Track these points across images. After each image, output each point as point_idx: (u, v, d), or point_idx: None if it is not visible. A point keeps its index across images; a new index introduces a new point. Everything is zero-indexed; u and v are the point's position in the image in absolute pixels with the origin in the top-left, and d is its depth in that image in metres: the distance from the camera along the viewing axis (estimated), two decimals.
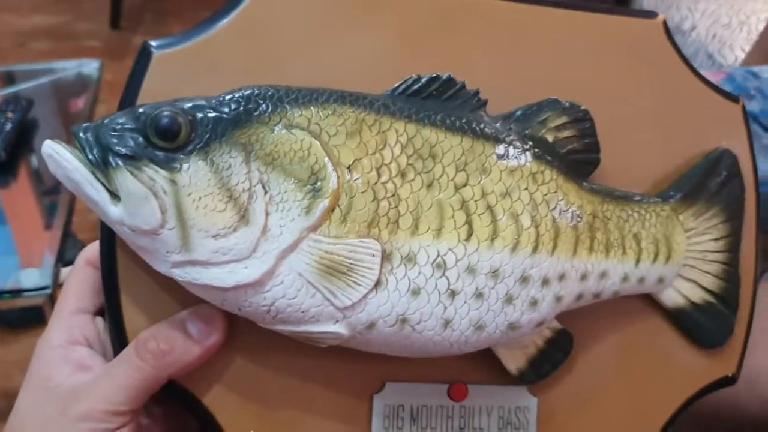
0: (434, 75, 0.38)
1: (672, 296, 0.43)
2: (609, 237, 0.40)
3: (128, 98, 0.38)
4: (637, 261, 0.41)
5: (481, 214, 0.37)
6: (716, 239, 0.43)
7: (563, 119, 0.40)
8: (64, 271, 1.38)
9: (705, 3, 1.50)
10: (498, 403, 0.42)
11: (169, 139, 0.34)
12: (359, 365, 0.40)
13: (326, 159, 0.35)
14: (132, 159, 0.34)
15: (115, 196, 0.34)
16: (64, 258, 1.14)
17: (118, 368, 0.38)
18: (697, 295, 0.43)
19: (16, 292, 1.03)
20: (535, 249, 0.38)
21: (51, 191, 1.27)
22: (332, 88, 0.38)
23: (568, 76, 0.42)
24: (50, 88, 1.46)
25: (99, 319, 0.42)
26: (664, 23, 0.43)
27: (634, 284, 0.41)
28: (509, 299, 0.37)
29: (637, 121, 0.43)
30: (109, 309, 0.39)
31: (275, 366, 0.40)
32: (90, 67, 1.48)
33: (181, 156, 0.34)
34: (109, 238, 0.38)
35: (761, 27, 1.41)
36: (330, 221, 0.35)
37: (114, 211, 0.34)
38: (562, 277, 0.39)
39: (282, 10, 0.40)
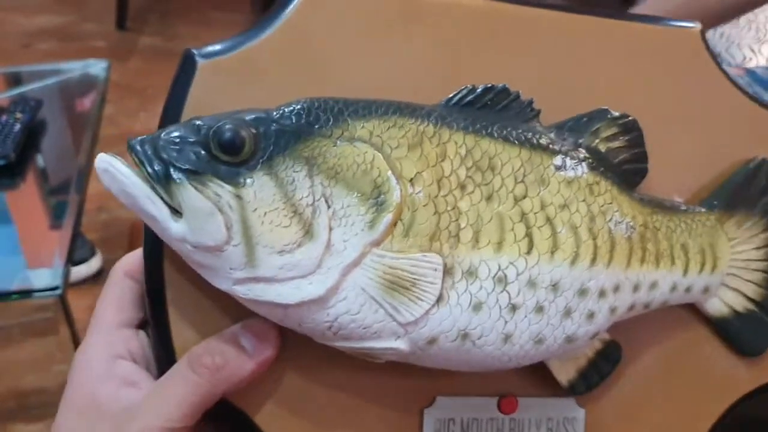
0: (489, 85, 0.38)
1: (716, 305, 0.43)
2: (659, 247, 0.40)
3: (173, 108, 0.38)
4: (685, 271, 0.41)
5: (541, 226, 0.37)
6: (758, 248, 0.43)
7: (614, 129, 0.40)
8: (74, 270, 1.39)
9: None
10: (547, 415, 0.42)
11: (233, 153, 0.34)
12: (409, 379, 0.40)
13: (389, 172, 0.35)
14: (195, 174, 0.34)
15: (176, 212, 0.34)
16: (73, 258, 1.14)
17: (171, 384, 0.37)
18: (741, 304, 0.43)
19: (26, 293, 1.03)
20: (593, 261, 0.38)
21: (57, 191, 1.27)
22: (378, 98, 0.37)
23: (608, 85, 0.42)
24: (57, 88, 1.47)
25: (141, 333, 0.40)
26: (702, 32, 0.43)
27: (682, 294, 0.42)
28: (568, 312, 0.37)
29: (674, 130, 0.43)
30: (156, 323, 0.38)
31: (324, 381, 0.40)
32: (97, 67, 1.48)
33: (245, 170, 0.34)
34: (154, 251, 0.38)
35: None
36: (393, 236, 0.35)
37: (176, 228, 0.34)
38: (616, 289, 0.39)
39: (326, 19, 0.39)
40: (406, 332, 0.35)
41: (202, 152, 0.34)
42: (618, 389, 0.43)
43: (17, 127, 1.23)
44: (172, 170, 0.34)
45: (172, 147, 0.34)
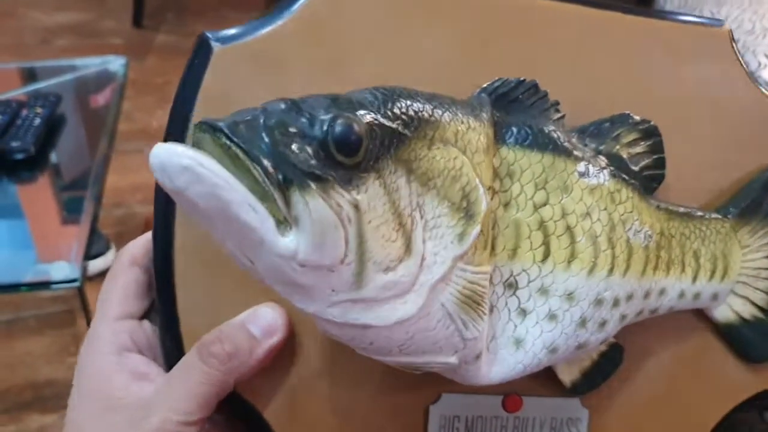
0: (522, 79, 0.37)
1: (724, 312, 0.43)
2: (671, 254, 0.40)
3: (187, 94, 0.36)
4: (695, 278, 0.41)
5: (561, 235, 0.36)
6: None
7: (635, 135, 0.39)
8: (90, 264, 1.40)
9: (728, 8, 1.50)
10: (551, 414, 0.42)
11: (350, 154, 0.29)
12: (416, 376, 0.39)
13: (477, 180, 0.33)
14: (319, 179, 0.28)
15: (280, 223, 0.28)
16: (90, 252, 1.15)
17: (184, 376, 0.36)
18: (748, 312, 0.43)
19: (45, 284, 1.04)
20: (610, 271, 0.37)
21: (72, 186, 1.28)
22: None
23: (632, 84, 0.41)
24: (74, 84, 1.48)
25: (146, 323, 0.40)
26: (730, 32, 0.43)
27: (690, 300, 0.41)
28: (583, 322, 0.37)
29: (697, 132, 0.42)
30: (164, 310, 0.38)
31: (331, 376, 0.39)
32: (116, 63, 1.49)
33: (357, 175, 0.29)
34: (164, 238, 0.37)
35: None
36: (476, 248, 0.33)
37: (285, 243, 0.28)
38: (629, 297, 0.38)
39: (346, 5, 0.38)
40: (465, 347, 0.34)
41: (321, 152, 0.29)
42: (621, 390, 0.43)
43: (37, 121, 1.23)
44: (292, 172, 0.28)
45: (291, 141, 0.29)
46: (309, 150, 0.29)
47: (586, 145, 0.38)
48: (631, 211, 0.38)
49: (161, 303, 0.38)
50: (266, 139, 0.28)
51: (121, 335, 0.39)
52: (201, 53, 0.37)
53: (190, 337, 0.37)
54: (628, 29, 0.42)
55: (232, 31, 0.37)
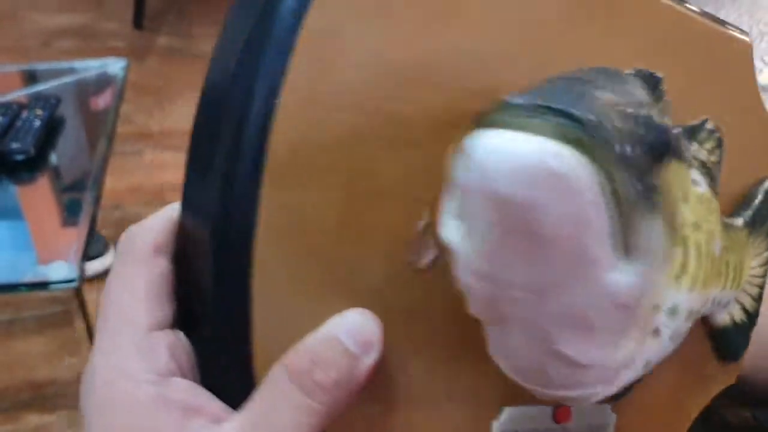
0: (652, 72, 0.34)
1: (723, 316, 0.42)
2: (719, 266, 0.38)
3: (282, 35, 0.28)
4: (723, 287, 0.40)
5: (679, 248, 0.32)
6: (762, 264, 0.43)
7: (712, 143, 0.37)
8: (88, 265, 1.41)
9: (725, 12, 1.50)
10: (588, 421, 0.41)
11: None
12: (478, 390, 0.35)
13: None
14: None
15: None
16: (89, 253, 1.16)
17: (275, 414, 0.27)
18: (738, 316, 0.43)
19: (43, 284, 1.05)
20: (704, 285, 0.35)
21: (72, 188, 1.29)
22: (506, 62, 0.31)
23: (676, 77, 0.38)
24: (75, 86, 1.49)
25: (181, 334, 0.29)
26: (751, 46, 0.41)
27: (710, 307, 0.40)
28: (675, 337, 0.34)
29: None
30: (228, 324, 0.28)
31: (395, 395, 0.34)
32: (115, 66, 1.50)
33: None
34: (246, 218, 0.27)
35: None
36: None
37: (616, 279, 0.23)
38: (696, 311, 0.36)
39: None
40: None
41: (650, 169, 0.24)
42: (643, 395, 0.42)
43: (37, 123, 1.24)
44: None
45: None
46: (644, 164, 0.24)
47: (688, 149, 0.35)
48: (717, 223, 0.37)
49: (223, 309, 0.28)
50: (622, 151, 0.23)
51: (159, 354, 0.28)
52: None
53: (266, 349, 0.28)
54: (663, 17, 0.39)
55: None
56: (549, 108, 0.22)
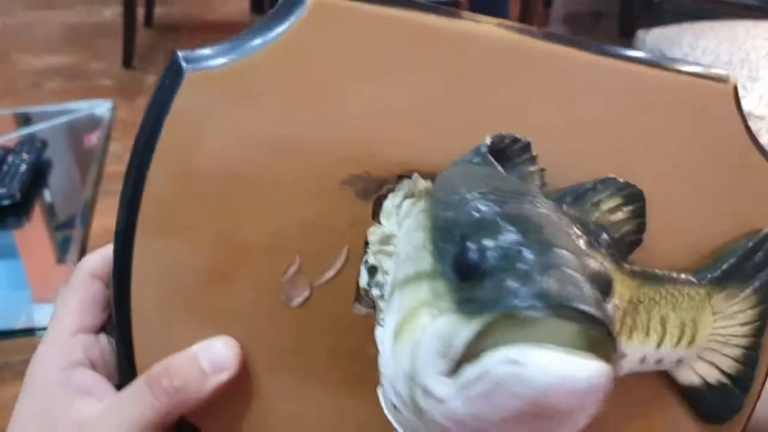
0: (517, 137, 0.35)
1: (688, 375, 0.41)
2: (635, 320, 0.38)
3: (153, 120, 0.35)
4: (659, 344, 0.39)
5: None
6: (743, 324, 0.41)
7: (617, 201, 0.37)
8: None
9: (705, 40, 1.52)
10: None
11: None
12: (370, 417, 0.36)
13: None
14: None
15: None
16: None
17: (128, 403, 0.36)
18: (713, 377, 0.41)
19: (29, 331, 1.05)
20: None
21: (64, 227, 1.29)
22: (375, 131, 0.36)
23: (627, 140, 0.40)
24: (64, 128, 1.50)
25: (103, 337, 0.39)
26: (735, 89, 0.40)
27: (651, 365, 0.39)
28: None
29: (688, 191, 0.41)
30: (120, 335, 0.37)
31: (284, 409, 0.39)
32: (102, 107, 1.51)
33: None
34: (123, 259, 0.36)
35: (762, 64, 1.43)
36: None
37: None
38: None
39: (330, 40, 0.36)
40: None
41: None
42: None
43: (23, 167, 1.25)
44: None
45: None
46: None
47: (564, 214, 0.36)
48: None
49: (118, 326, 0.37)
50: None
51: (74, 349, 0.38)
52: (171, 76, 0.35)
53: (145, 361, 0.37)
54: (624, 79, 0.39)
55: (206, 51, 0.35)
56: (579, 312, 0.24)
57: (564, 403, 0.24)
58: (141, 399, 0.36)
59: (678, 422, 0.42)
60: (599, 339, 0.24)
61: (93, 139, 1.47)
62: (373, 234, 0.35)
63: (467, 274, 0.26)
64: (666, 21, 1.72)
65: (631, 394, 0.41)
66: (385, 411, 0.30)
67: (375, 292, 0.35)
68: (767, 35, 1.50)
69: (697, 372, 0.41)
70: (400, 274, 0.31)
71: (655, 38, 1.62)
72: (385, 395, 0.30)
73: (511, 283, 0.25)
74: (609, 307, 0.27)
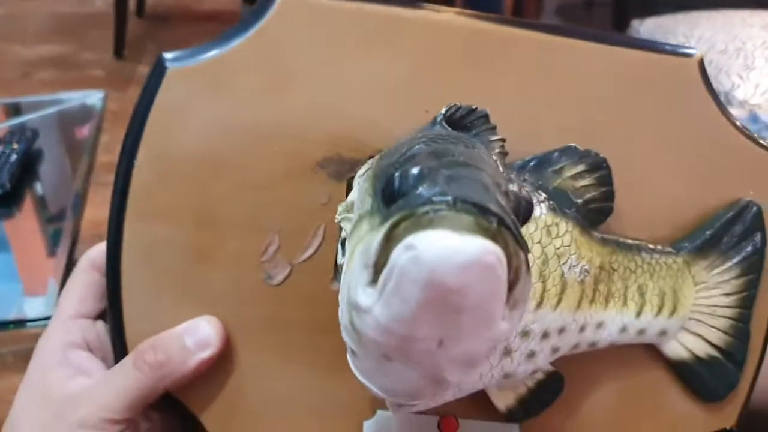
0: (473, 107, 0.36)
1: (675, 348, 0.41)
2: (611, 288, 0.39)
3: (140, 113, 0.38)
4: (639, 313, 0.40)
5: None
6: (728, 294, 0.41)
7: (580, 168, 0.39)
8: None
9: (701, 29, 1.51)
10: None
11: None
12: (352, 391, 0.38)
13: None
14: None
15: None
16: None
17: (116, 377, 0.38)
18: (702, 350, 0.41)
19: (20, 322, 1.04)
20: (539, 305, 0.37)
21: (55, 218, 1.28)
22: (345, 114, 0.38)
23: (593, 115, 0.40)
24: (55, 118, 1.48)
25: (100, 323, 0.42)
26: (701, 62, 0.41)
27: (633, 335, 0.40)
28: (508, 352, 0.36)
29: (661, 164, 0.41)
30: (112, 316, 0.39)
31: (269, 386, 0.40)
32: (94, 97, 1.50)
33: None
34: (115, 243, 0.38)
35: (757, 54, 1.42)
36: None
37: (504, 327, 0.28)
38: (561, 330, 0.38)
39: (299, 30, 0.39)
40: None
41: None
42: (564, 420, 0.42)
43: (13, 157, 1.24)
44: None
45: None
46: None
47: (525, 180, 0.38)
48: (569, 245, 0.38)
49: (110, 308, 0.39)
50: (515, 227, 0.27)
51: (73, 332, 0.40)
52: (156, 73, 0.39)
53: (135, 341, 0.39)
54: (591, 58, 0.41)
55: (187, 51, 0.39)
56: (473, 204, 0.26)
57: (453, 280, 0.25)
58: (127, 373, 0.38)
59: (670, 398, 0.42)
60: (494, 229, 0.26)
61: (84, 129, 1.46)
62: (340, 205, 0.37)
63: (392, 198, 0.28)
64: (660, 11, 1.71)
65: (622, 369, 0.42)
66: (349, 361, 0.31)
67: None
68: (763, 25, 1.50)
69: (685, 345, 0.41)
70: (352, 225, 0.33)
71: (650, 28, 1.61)
72: (346, 345, 0.31)
73: (420, 191, 0.27)
74: (523, 225, 0.29)
